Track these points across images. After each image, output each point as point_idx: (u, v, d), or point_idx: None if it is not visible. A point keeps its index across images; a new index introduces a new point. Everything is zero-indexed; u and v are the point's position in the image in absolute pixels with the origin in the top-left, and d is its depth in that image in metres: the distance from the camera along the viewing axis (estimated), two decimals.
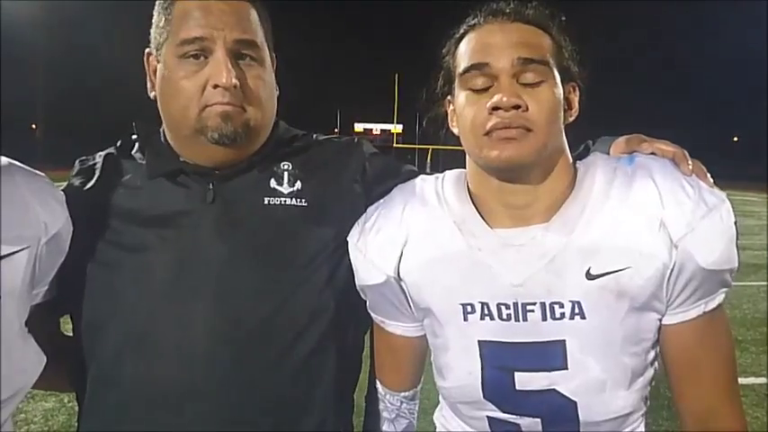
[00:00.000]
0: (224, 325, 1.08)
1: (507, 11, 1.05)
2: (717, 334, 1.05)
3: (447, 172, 1.19)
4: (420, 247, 1.09)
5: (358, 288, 1.18)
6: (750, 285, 7.72)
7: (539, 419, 1.06)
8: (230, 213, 1.13)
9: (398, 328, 1.19)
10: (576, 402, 1.03)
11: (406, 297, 1.13)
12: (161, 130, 1.21)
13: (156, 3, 1.16)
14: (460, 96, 1.05)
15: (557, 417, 1.05)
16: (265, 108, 1.16)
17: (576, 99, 1.10)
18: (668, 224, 0.98)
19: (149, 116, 1.21)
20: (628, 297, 0.99)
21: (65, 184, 1.22)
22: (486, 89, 1.01)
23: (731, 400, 1.06)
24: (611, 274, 0.99)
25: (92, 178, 1.20)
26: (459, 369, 1.09)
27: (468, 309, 1.05)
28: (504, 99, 0.97)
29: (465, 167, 1.15)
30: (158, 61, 1.15)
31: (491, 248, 1.05)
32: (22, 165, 1.05)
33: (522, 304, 1.02)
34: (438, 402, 1.25)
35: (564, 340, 1.01)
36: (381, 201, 1.18)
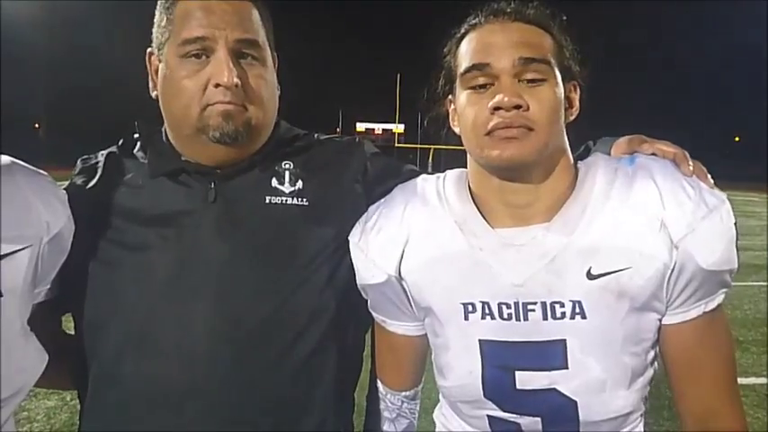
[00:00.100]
0: (224, 324, 1.08)
1: (508, 10, 1.05)
2: (717, 334, 1.05)
3: (448, 172, 1.20)
4: (421, 246, 1.10)
5: (359, 287, 1.18)
6: (751, 286, 7.72)
7: (539, 419, 1.06)
8: (231, 212, 1.14)
9: (400, 327, 1.20)
10: (576, 402, 1.03)
11: (407, 296, 1.13)
12: (162, 129, 1.22)
13: (158, 2, 1.16)
14: (461, 96, 1.06)
15: (557, 416, 1.05)
16: (267, 107, 1.16)
17: (576, 98, 1.10)
18: (669, 224, 0.98)
19: (153, 115, 1.21)
20: (628, 297, 1.00)
21: (67, 183, 1.22)
22: (487, 89, 1.01)
23: (731, 400, 1.07)
24: (612, 275, 0.99)
25: (94, 177, 1.20)
26: (460, 368, 1.09)
27: (469, 308, 1.06)
28: (506, 99, 0.97)
29: (466, 167, 1.15)
30: (160, 61, 1.15)
31: (492, 248, 1.05)
32: (23, 164, 1.05)
33: (523, 304, 1.02)
34: (439, 401, 1.25)
35: (564, 340, 1.02)
36: (382, 200, 1.19)
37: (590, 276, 1.00)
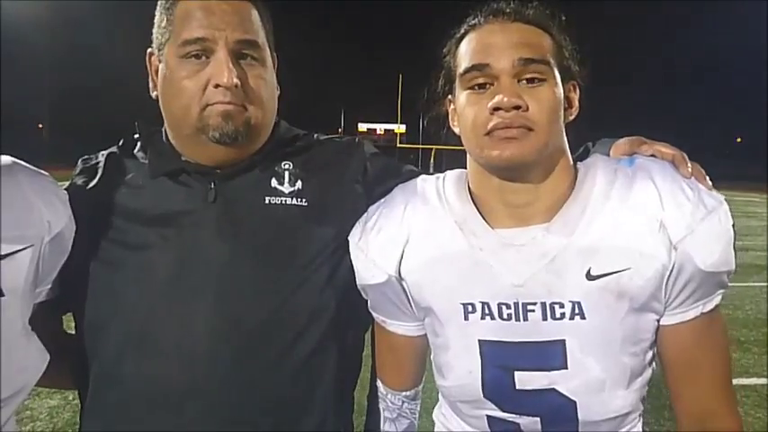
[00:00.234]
0: (224, 324, 1.08)
1: (507, 11, 1.05)
2: (714, 334, 1.05)
3: (448, 172, 1.20)
4: (421, 246, 1.10)
5: (359, 287, 1.18)
6: (753, 286, 7.70)
7: (538, 419, 1.06)
8: (231, 212, 1.14)
9: (400, 327, 1.20)
10: (575, 402, 1.03)
11: (407, 296, 1.13)
12: (163, 129, 1.22)
13: (158, 3, 1.16)
14: (461, 96, 1.06)
15: (556, 416, 1.05)
16: (266, 107, 1.16)
17: (576, 98, 1.10)
18: (668, 226, 0.98)
19: (156, 115, 1.21)
20: (627, 297, 1.00)
21: (68, 183, 1.23)
22: (486, 89, 1.02)
23: (728, 401, 1.07)
24: (612, 275, 0.99)
25: (94, 177, 1.21)
26: (460, 368, 1.09)
27: (469, 308, 1.06)
28: (505, 100, 0.97)
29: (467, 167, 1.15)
30: (160, 61, 1.15)
31: (492, 248, 1.05)
32: (25, 164, 1.05)
33: (523, 304, 1.03)
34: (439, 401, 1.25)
35: (564, 340, 1.02)
36: (382, 200, 1.19)
37: (589, 277, 1.00)
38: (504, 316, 1.03)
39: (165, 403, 1.07)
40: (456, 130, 1.12)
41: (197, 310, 1.08)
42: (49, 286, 1.08)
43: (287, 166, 1.21)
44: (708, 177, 1.06)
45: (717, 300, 1.04)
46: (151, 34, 1.18)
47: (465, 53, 1.06)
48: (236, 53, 1.10)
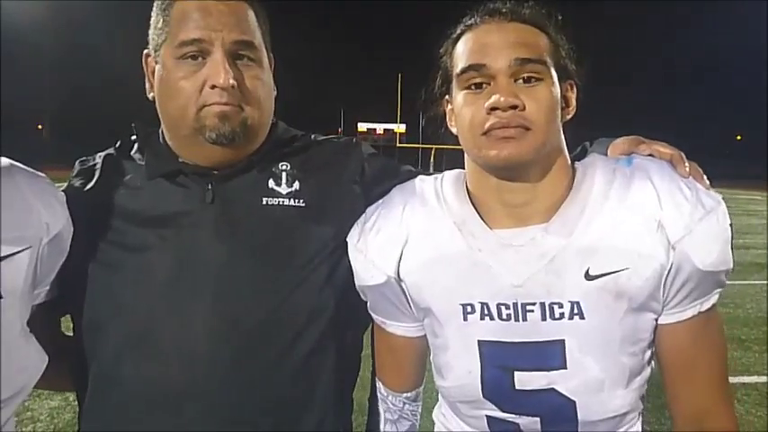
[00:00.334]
0: (223, 325, 1.08)
1: (504, 10, 1.05)
2: (711, 334, 1.05)
3: (446, 172, 1.19)
4: (420, 247, 1.10)
5: (358, 289, 1.18)
6: (753, 285, 7.70)
7: (537, 419, 1.06)
8: (229, 213, 1.14)
9: (399, 328, 1.19)
10: (574, 402, 1.03)
11: (407, 297, 1.13)
12: (160, 130, 1.22)
13: (155, 4, 1.16)
14: (458, 96, 1.05)
15: (555, 416, 1.05)
16: (263, 108, 1.16)
17: (573, 97, 1.10)
18: (666, 225, 0.98)
19: (158, 116, 1.21)
20: (626, 297, 1.00)
21: (65, 184, 1.23)
22: (483, 89, 1.01)
23: (724, 400, 1.07)
24: (610, 275, 0.99)
25: (92, 179, 1.21)
26: (459, 368, 1.09)
27: (468, 309, 1.06)
28: (502, 99, 0.97)
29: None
30: (157, 62, 1.15)
31: (491, 249, 1.05)
32: (23, 166, 1.05)
33: (522, 304, 1.02)
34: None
35: (563, 340, 1.02)
36: (381, 201, 1.19)
37: (588, 277, 1.00)
38: (504, 316, 1.03)
39: (164, 404, 1.07)
40: (453, 130, 1.12)
41: (196, 311, 1.08)
42: (48, 288, 1.08)
43: (284, 167, 1.20)
44: (707, 176, 1.06)
45: (714, 299, 1.04)
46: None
47: (462, 53, 1.05)
48: (233, 54, 1.10)
